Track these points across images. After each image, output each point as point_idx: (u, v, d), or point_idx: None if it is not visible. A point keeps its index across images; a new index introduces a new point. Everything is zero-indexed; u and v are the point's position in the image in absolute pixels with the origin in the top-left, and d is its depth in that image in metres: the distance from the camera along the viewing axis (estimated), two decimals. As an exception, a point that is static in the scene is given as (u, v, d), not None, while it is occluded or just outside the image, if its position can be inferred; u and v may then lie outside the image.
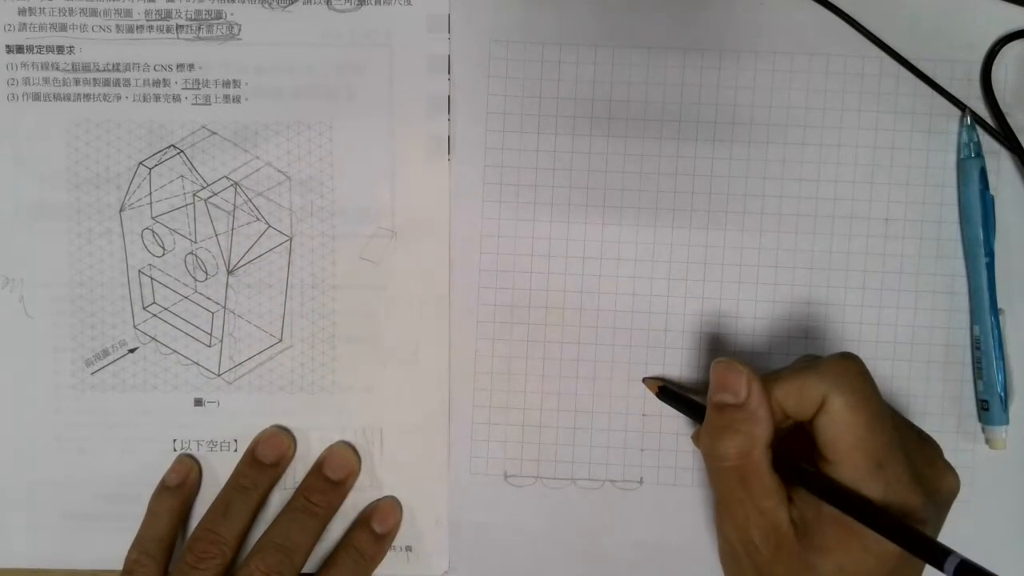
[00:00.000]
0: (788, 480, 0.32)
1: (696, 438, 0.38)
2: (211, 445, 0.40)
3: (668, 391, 0.38)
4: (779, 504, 0.32)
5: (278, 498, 0.40)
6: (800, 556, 0.31)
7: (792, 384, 0.32)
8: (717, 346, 0.40)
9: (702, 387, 0.39)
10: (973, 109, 0.39)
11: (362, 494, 0.40)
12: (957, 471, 0.34)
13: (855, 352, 0.33)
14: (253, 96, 0.39)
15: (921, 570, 0.32)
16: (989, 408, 0.39)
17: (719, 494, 0.33)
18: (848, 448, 0.31)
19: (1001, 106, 0.39)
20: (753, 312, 0.40)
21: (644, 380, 0.40)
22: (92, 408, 0.40)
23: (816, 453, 0.32)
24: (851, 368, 0.32)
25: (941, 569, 0.28)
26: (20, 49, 0.39)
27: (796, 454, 0.33)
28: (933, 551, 0.28)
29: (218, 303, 0.40)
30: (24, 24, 0.39)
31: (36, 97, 0.39)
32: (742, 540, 0.32)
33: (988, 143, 0.39)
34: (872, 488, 0.31)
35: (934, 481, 0.32)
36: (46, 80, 0.39)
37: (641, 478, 0.40)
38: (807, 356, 0.37)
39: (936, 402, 0.40)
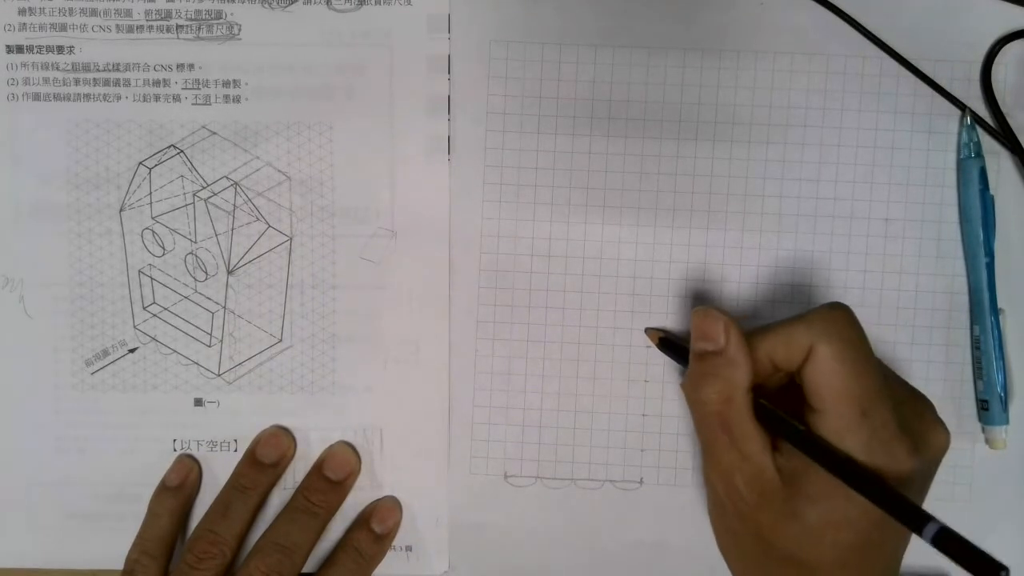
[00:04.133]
0: (772, 432, 0.32)
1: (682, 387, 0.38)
2: (211, 445, 0.40)
3: (667, 341, 0.38)
4: (763, 450, 0.32)
5: (278, 498, 0.40)
6: (785, 503, 0.31)
7: (780, 334, 0.32)
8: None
9: None
10: (973, 109, 0.39)
11: (362, 494, 0.40)
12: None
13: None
14: (253, 96, 0.39)
15: None
16: (989, 408, 0.39)
17: (705, 443, 0.33)
18: (833, 396, 0.31)
19: (1001, 106, 0.39)
20: (753, 312, 0.40)
21: (646, 330, 0.39)
22: (92, 408, 0.40)
23: (804, 404, 0.32)
24: (839, 317, 0.32)
25: (920, 535, 0.27)
26: (20, 49, 0.39)
27: (787, 408, 0.33)
28: (912, 516, 0.28)
29: (218, 303, 0.40)
30: (24, 24, 0.39)
31: (36, 97, 0.39)
32: (727, 488, 0.32)
33: (988, 143, 0.39)
34: (856, 436, 0.30)
35: (923, 434, 0.32)
36: (46, 80, 0.39)
37: (641, 478, 0.40)
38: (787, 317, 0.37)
39: (936, 402, 0.39)
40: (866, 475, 0.30)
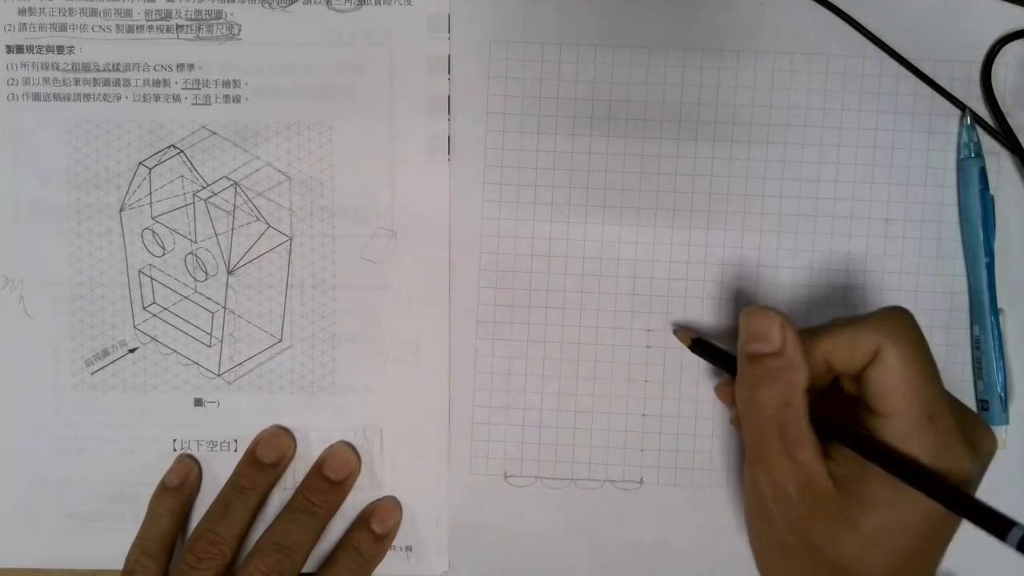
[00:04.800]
0: (827, 437, 0.32)
1: (719, 390, 0.37)
2: (211, 445, 0.40)
3: (702, 343, 0.37)
4: (817, 456, 0.31)
5: (278, 498, 0.40)
6: (840, 511, 0.30)
7: (842, 336, 0.31)
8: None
9: (733, 343, 0.38)
10: (973, 109, 0.39)
11: (362, 494, 0.40)
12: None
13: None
14: (253, 96, 0.39)
15: (958, 526, 0.32)
16: (989, 408, 0.39)
17: (754, 446, 0.32)
18: (901, 399, 0.30)
19: (1001, 106, 0.39)
20: (753, 312, 0.40)
21: (675, 331, 0.39)
22: (92, 408, 0.40)
23: (862, 408, 0.31)
24: (904, 320, 0.32)
25: (1003, 540, 0.27)
26: (20, 49, 0.39)
27: (832, 414, 0.32)
28: (995, 521, 0.27)
29: (218, 303, 0.40)
30: (24, 24, 0.39)
31: (36, 97, 0.39)
32: (776, 494, 0.31)
33: (988, 143, 0.39)
34: (923, 441, 0.30)
35: (977, 439, 0.32)
36: (46, 80, 0.39)
37: (641, 478, 0.40)
38: (840, 317, 0.35)
39: (936, 402, 0.40)
40: (939, 480, 0.29)
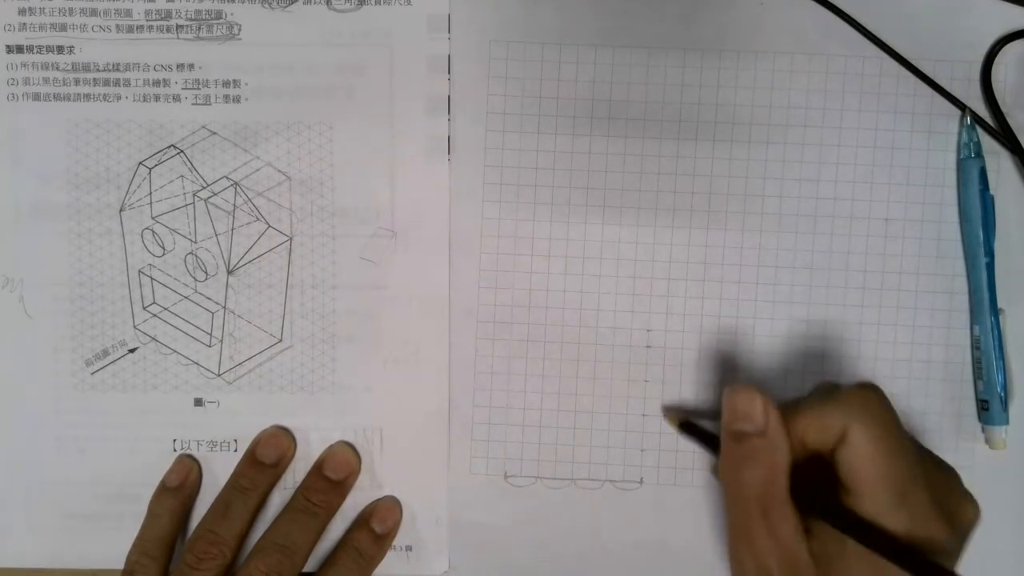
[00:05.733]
0: (806, 512, 0.32)
1: (715, 471, 0.37)
2: (211, 445, 0.40)
3: (690, 426, 0.38)
4: (798, 533, 0.31)
5: (278, 498, 0.40)
6: None
7: (811, 415, 0.32)
8: (717, 346, 0.40)
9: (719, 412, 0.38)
10: (973, 109, 0.39)
11: (362, 494, 0.40)
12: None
13: (857, 358, 0.33)
14: (253, 96, 0.39)
15: None
16: (989, 408, 0.39)
17: (737, 523, 0.32)
18: (870, 480, 0.30)
19: (1001, 106, 0.39)
20: (753, 312, 0.40)
21: (664, 411, 0.39)
22: (92, 408, 0.40)
23: (838, 484, 0.32)
24: (871, 399, 0.32)
25: None
26: (20, 49, 0.39)
27: (812, 486, 0.32)
28: None
29: (218, 303, 0.40)
30: (24, 24, 0.39)
31: (36, 97, 0.39)
32: (759, 569, 0.31)
33: (988, 143, 0.39)
34: (895, 520, 0.30)
35: (955, 511, 0.32)
36: (46, 80, 0.39)
37: (641, 478, 0.40)
38: (826, 383, 0.36)
39: (936, 402, 0.40)
40: (914, 552, 0.29)
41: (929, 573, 0.29)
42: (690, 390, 0.40)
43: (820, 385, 0.36)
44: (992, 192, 0.39)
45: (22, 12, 0.39)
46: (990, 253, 0.39)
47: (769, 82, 0.39)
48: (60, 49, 0.39)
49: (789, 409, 0.32)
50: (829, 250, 0.40)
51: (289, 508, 0.38)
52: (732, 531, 0.33)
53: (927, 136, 0.39)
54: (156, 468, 0.40)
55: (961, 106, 0.39)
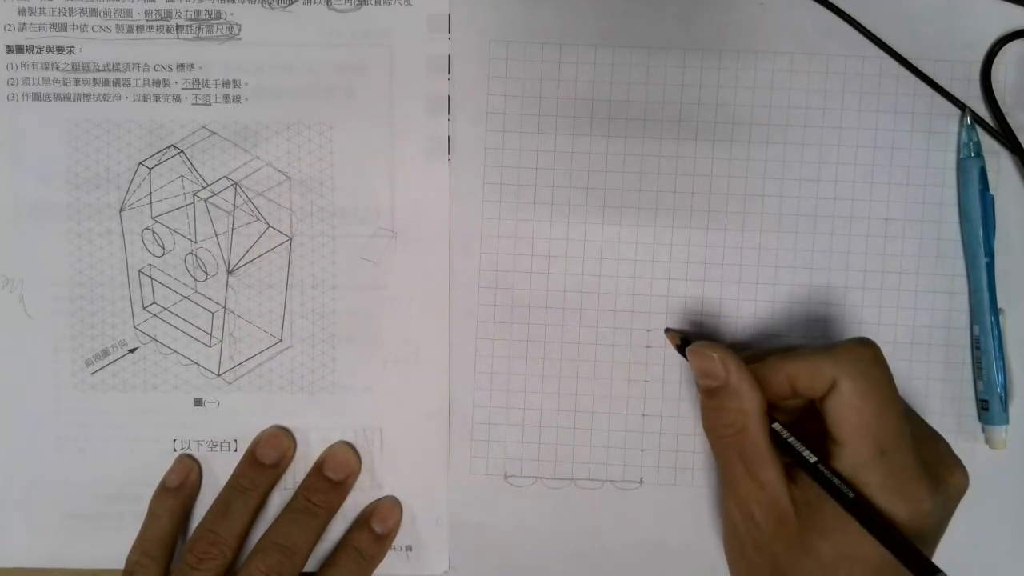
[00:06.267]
0: (791, 459, 0.33)
1: None
2: (211, 445, 0.40)
3: (689, 344, 0.38)
4: (778, 479, 0.32)
5: (278, 498, 0.40)
6: (799, 535, 0.32)
7: (805, 363, 0.33)
8: (717, 346, 0.40)
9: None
10: (973, 109, 0.39)
11: (362, 494, 0.40)
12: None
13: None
14: (253, 96, 0.39)
15: None
16: (989, 408, 0.39)
17: (722, 471, 0.34)
18: (853, 432, 0.31)
19: (1001, 106, 0.39)
20: (753, 312, 0.40)
21: (666, 330, 0.40)
22: (92, 408, 0.40)
23: (826, 433, 0.33)
24: (865, 354, 0.33)
25: None
26: (20, 49, 0.39)
27: (810, 432, 0.33)
28: (920, 564, 0.28)
29: (218, 303, 0.40)
30: (24, 24, 0.39)
31: (36, 97, 0.39)
32: (743, 517, 0.33)
33: (988, 143, 0.39)
34: (872, 474, 0.31)
35: (942, 475, 0.32)
36: (46, 80, 0.39)
37: (641, 478, 0.40)
38: (810, 346, 0.37)
39: (936, 402, 0.40)
40: (875, 514, 0.30)
41: (890, 540, 0.30)
42: (690, 390, 0.40)
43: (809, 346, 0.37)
44: (992, 192, 0.39)
45: (22, 12, 0.39)
46: (990, 253, 0.39)
47: (769, 82, 0.39)
48: (60, 49, 0.39)
49: (783, 355, 0.34)
50: (829, 250, 0.40)
51: (289, 508, 0.38)
52: (721, 485, 0.35)
53: (927, 136, 0.39)
54: (156, 468, 0.40)
55: (961, 106, 0.39)
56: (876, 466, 0.31)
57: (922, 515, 0.31)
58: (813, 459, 0.32)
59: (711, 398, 0.34)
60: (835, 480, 0.31)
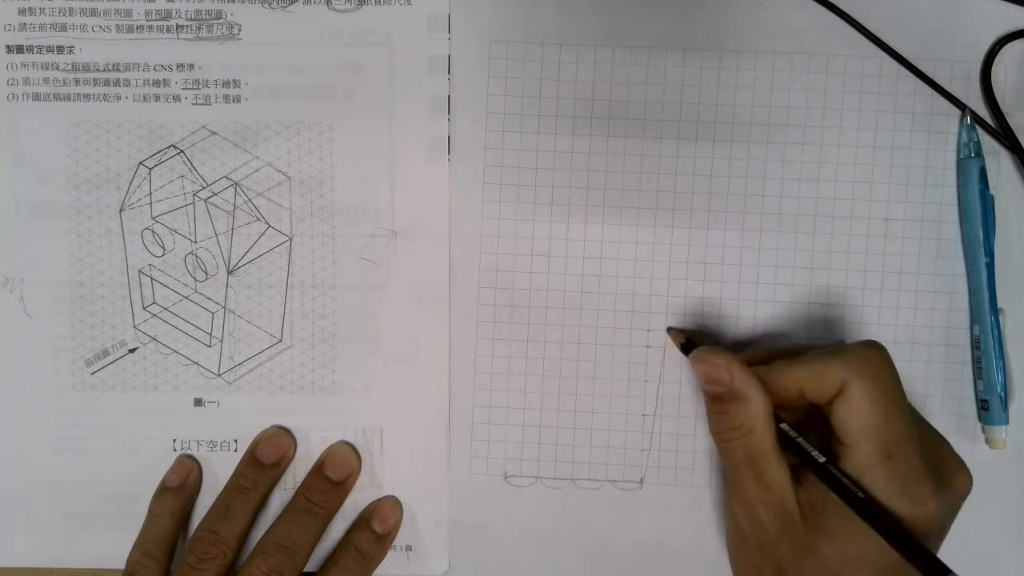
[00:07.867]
0: (799, 459, 0.33)
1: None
2: (211, 445, 0.40)
3: (691, 346, 0.38)
4: (785, 481, 0.32)
5: (278, 499, 0.40)
6: (805, 537, 0.32)
7: (814, 367, 0.33)
8: (717, 346, 0.40)
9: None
10: (973, 109, 0.39)
11: (362, 494, 0.40)
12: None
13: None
14: (253, 96, 0.39)
15: None
16: (989, 408, 0.39)
17: (729, 474, 0.34)
18: (860, 434, 0.31)
19: (1001, 106, 0.39)
20: (753, 312, 0.40)
21: (668, 330, 0.39)
22: (92, 408, 0.40)
23: (832, 435, 0.33)
24: (874, 357, 0.33)
25: None
26: (20, 49, 0.39)
27: (815, 433, 0.33)
28: (930, 564, 0.28)
29: (218, 303, 0.40)
30: (24, 24, 0.39)
31: (36, 97, 0.39)
32: (749, 518, 0.33)
33: (988, 143, 0.39)
34: (879, 475, 0.31)
35: (946, 477, 0.33)
36: (46, 80, 0.39)
37: (641, 478, 0.40)
38: (818, 347, 0.37)
39: (936, 402, 0.40)
40: (885, 515, 0.30)
41: (900, 540, 0.30)
42: (690, 390, 0.40)
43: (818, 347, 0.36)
44: (992, 192, 0.39)
45: (22, 12, 0.39)
46: (990, 253, 0.39)
47: (769, 82, 0.39)
48: (60, 49, 0.39)
49: (791, 359, 0.34)
50: (829, 250, 0.40)
51: (290, 508, 0.38)
52: (727, 486, 0.35)
53: (927, 136, 0.39)
54: (156, 468, 0.40)
55: (961, 106, 0.39)
56: (882, 468, 0.31)
57: (927, 516, 0.31)
58: (822, 459, 0.32)
59: (717, 404, 0.34)
60: (845, 481, 0.31)
